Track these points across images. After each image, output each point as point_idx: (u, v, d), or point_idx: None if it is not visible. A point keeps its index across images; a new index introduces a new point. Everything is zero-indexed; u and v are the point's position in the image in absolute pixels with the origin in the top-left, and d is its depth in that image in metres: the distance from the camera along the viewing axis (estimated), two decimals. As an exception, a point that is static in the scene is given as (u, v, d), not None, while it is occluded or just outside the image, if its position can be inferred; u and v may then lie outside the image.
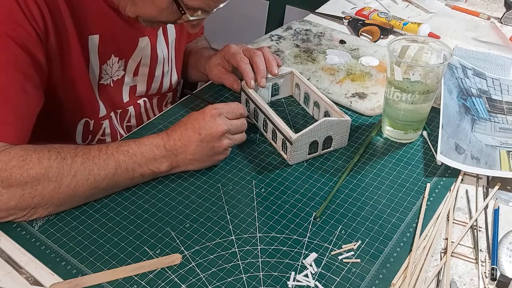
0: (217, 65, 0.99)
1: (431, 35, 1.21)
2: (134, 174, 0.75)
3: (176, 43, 1.03)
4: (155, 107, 1.05)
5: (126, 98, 0.96)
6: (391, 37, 1.23)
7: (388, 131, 0.90)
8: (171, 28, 1.00)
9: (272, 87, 0.97)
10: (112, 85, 0.92)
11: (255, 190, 0.79)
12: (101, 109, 0.92)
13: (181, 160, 0.78)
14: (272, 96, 0.98)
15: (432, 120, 0.92)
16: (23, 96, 0.73)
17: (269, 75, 0.94)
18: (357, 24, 1.26)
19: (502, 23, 1.30)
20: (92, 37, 0.84)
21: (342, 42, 1.16)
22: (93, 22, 0.82)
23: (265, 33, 1.22)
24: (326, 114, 0.88)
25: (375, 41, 1.21)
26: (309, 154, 0.84)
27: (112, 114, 0.95)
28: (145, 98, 1.01)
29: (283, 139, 0.83)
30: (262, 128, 0.90)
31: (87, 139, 0.94)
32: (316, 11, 1.36)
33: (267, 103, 0.89)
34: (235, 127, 0.81)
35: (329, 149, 0.85)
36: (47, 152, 0.70)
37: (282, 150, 0.85)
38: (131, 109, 0.99)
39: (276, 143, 0.86)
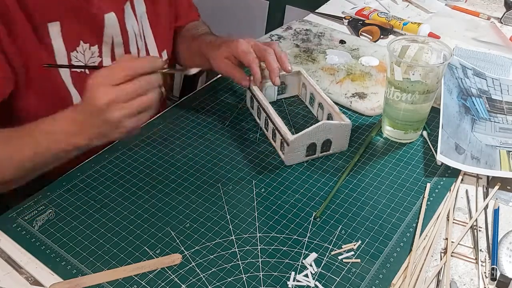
0: (225, 59, 0.95)
1: (431, 35, 1.21)
2: (55, 151, 0.73)
3: (149, 16, 0.98)
4: None
5: None
6: (391, 37, 1.24)
7: (388, 131, 0.90)
8: (138, 1, 0.95)
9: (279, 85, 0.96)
10: (87, 72, 0.88)
11: (255, 190, 0.79)
12: (75, 97, 0.87)
13: (92, 133, 0.72)
14: (278, 94, 0.98)
15: (432, 120, 0.92)
16: None
17: (282, 72, 0.92)
18: (357, 24, 1.26)
19: (502, 23, 1.30)
20: (51, 25, 0.80)
21: (342, 42, 1.16)
22: (49, 9, 0.79)
23: (265, 33, 1.22)
24: (329, 117, 0.88)
25: (375, 41, 1.21)
26: (306, 156, 0.83)
27: None
28: None
29: (281, 139, 0.83)
30: (264, 126, 0.90)
31: None
32: (316, 11, 1.36)
33: (273, 101, 0.88)
34: (125, 94, 0.68)
35: (328, 152, 0.85)
36: None
37: (280, 150, 0.85)
38: None
39: (275, 143, 0.86)
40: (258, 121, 0.91)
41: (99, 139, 0.73)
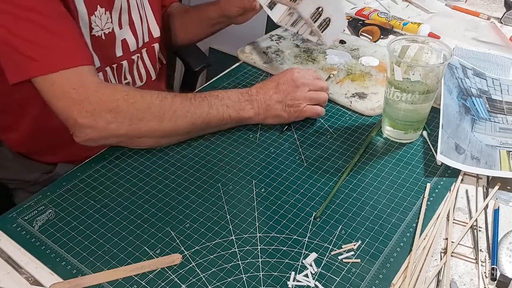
0: None
1: (431, 35, 1.21)
2: (223, 115, 0.85)
3: None
4: (148, 63, 1.05)
5: (119, 52, 0.96)
6: (391, 37, 1.23)
7: (388, 131, 0.90)
8: None
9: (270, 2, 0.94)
10: (103, 37, 0.91)
11: (255, 190, 0.79)
12: (95, 60, 0.91)
13: (261, 106, 0.87)
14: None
15: (432, 120, 0.92)
16: (70, 19, 0.80)
17: None
18: (357, 24, 1.26)
19: (502, 23, 1.30)
20: None
21: (342, 42, 1.16)
22: None
23: (265, 33, 1.22)
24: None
25: (375, 41, 1.21)
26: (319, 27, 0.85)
27: (107, 69, 0.95)
28: (137, 54, 1.01)
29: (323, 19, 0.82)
30: (311, 18, 0.88)
31: None
32: (316, 11, 1.36)
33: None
34: (314, 86, 0.89)
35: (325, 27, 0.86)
36: (148, 91, 0.81)
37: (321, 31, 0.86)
38: (125, 63, 0.98)
39: (318, 28, 0.87)
40: (292, 22, 0.90)
41: (265, 115, 0.88)
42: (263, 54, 1.11)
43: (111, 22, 0.92)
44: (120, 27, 0.95)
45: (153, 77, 1.07)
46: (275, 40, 1.17)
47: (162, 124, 0.80)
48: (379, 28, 1.23)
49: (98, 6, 0.88)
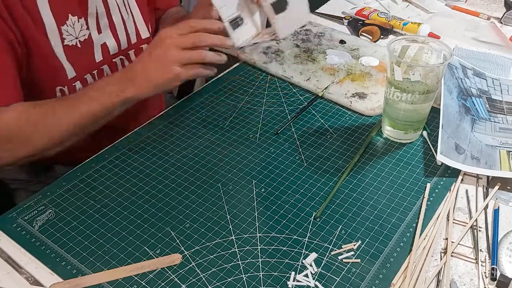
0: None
1: (431, 35, 1.21)
2: (107, 104, 0.81)
3: None
4: None
5: (98, 57, 0.95)
6: (391, 37, 1.23)
7: (388, 131, 0.90)
8: None
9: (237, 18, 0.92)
10: (79, 45, 0.90)
11: (255, 190, 0.79)
12: (69, 71, 0.90)
13: (141, 79, 0.81)
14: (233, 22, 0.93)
15: (432, 120, 0.92)
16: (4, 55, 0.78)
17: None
18: (357, 24, 1.26)
19: (502, 23, 1.30)
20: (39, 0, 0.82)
21: (342, 42, 1.16)
22: None
23: (265, 33, 1.22)
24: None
25: (375, 41, 1.21)
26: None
27: (87, 76, 0.93)
28: (121, 56, 0.99)
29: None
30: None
31: None
32: (316, 11, 1.36)
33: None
34: (184, 42, 0.79)
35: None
36: (32, 109, 0.80)
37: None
38: (105, 68, 0.97)
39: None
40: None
41: (147, 88, 0.82)
42: (263, 54, 1.11)
43: (87, 28, 0.90)
44: (99, 31, 0.93)
45: None
46: (275, 40, 1.17)
47: (54, 136, 0.81)
48: (379, 28, 1.23)
49: (70, 15, 0.86)
